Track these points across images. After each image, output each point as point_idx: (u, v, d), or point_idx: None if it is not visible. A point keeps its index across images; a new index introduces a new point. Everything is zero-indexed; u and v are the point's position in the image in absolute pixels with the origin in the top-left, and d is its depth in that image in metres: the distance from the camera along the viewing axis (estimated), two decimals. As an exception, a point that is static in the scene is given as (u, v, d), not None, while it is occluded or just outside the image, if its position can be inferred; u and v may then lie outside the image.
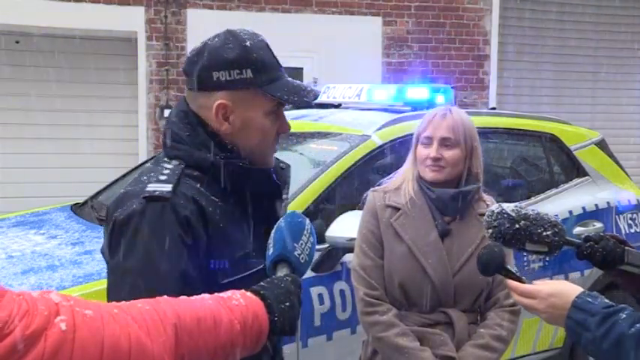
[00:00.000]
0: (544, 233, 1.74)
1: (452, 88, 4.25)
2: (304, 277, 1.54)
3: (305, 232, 1.49)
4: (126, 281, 1.46)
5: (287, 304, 1.33)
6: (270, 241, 1.47)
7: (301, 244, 1.46)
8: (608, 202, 4.37)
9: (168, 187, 1.51)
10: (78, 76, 7.45)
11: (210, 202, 1.56)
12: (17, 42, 7.38)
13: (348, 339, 3.18)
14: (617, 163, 4.77)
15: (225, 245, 1.56)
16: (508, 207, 1.78)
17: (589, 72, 9.29)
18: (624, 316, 1.54)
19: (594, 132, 4.87)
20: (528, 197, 4.19)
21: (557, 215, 4.06)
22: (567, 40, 9.16)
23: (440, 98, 4.05)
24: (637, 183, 5.04)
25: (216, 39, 1.65)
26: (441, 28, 8.45)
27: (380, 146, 3.61)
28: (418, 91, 4.07)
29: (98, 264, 2.97)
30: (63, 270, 3.03)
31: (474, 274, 2.39)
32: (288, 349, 2.82)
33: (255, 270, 1.59)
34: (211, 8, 7.64)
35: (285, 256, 1.44)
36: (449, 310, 2.39)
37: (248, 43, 1.61)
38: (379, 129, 3.70)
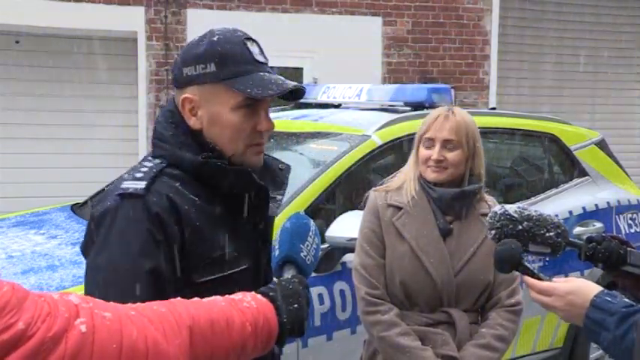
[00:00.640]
0: (547, 234, 1.74)
1: (451, 88, 4.24)
2: None
3: (310, 233, 1.50)
4: (99, 277, 1.47)
5: (295, 305, 1.34)
6: (276, 242, 1.48)
7: (307, 245, 1.47)
8: (608, 202, 4.37)
9: (142, 185, 1.51)
10: (78, 76, 7.45)
11: (187, 200, 1.54)
12: (17, 42, 7.38)
13: (348, 339, 3.18)
14: (617, 163, 4.77)
15: (201, 243, 1.53)
16: (511, 208, 1.77)
17: (589, 72, 9.29)
18: None
19: (594, 132, 4.87)
20: (528, 197, 4.19)
21: (557, 215, 4.06)
22: (567, 40, 9.16)
23: (439, 98, 4.05)
24: (637, 183, 5.04)
25: (196, 37, 1.64)
26: (441, 28, 8.45)
27: (380, 146, 3.61)
28: (418, 91, 4.07)
29: (98, 264, 2.96)
30: (63, 270, 3.03)
31: (476, 274, 2.40)
32: (288, 349, 2.82)
33: (233, 271, 1.56)
34: (211, 8, 7.64)
35: (292, 258, 1.45)
36: (450, 309, 2.39)
37: (216, 38, 1.60)
38: (379, 129, 3.70)
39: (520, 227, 1.74)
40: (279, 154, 1.82)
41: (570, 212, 4.18)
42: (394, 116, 3.87)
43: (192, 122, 1.60)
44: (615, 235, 1.87)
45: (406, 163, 2.59)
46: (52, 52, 7.41)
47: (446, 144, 2.41)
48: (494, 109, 5.40)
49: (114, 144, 7.50)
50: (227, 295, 1.31)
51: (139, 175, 1.56)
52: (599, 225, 4.24)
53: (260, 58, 1.61)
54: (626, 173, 4.81)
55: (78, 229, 3.68)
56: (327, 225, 3.15)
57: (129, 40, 7.51)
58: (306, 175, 3.40)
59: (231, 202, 1.61)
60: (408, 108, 4.04)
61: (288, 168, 1.80)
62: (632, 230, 4.44)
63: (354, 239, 2.56)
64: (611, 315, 1.55)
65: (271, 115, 1.70)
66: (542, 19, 9.06)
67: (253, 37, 1.64)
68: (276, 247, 1.47)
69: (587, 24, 9.24)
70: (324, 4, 7.97)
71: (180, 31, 7.56)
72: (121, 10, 7.33)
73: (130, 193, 1.50)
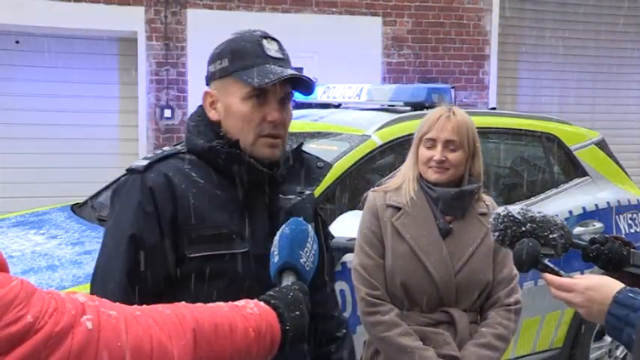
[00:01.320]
0: (551, 236, 1.74)
1: (452, 88, 4.24)
2: None
3: (309, 239, 1.49)
4: (103, 240, 1.71)
5: (297, 312, 1.34)
6: (275, 248, 1.48)
7: (306, 251, 1.46)
8: (608, 202, 4.37)
9: (144, 163, 1.69)
10: (78, 76, 7.44)
11: (189, 180, 1.68)
12: (17, 42, 7.38)
13: (348, 339, 3.18)
14: (617, 163, 4.77)
15: (195, 221, 1.64)
16: (514, 209, 1.77)
17: (589, 72, 9.29)
18: None
19: (594, 132, 4.87)
20: (528, 197, 4.19)
21: (557, 215, 4.05)
22: (567, 40, 9.16)
23: (439, 98, 4.05)
24: (637, 183, 5.04)
25: None
26: (441, 28, 8.45)
27: (380, 146, 3.61)
28: (418, 91, 4.07)
29: (98, 264, 2.97)
30: (63, 270, 3.03)
31: (475, 273, 2.40)
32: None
33: (229, 252, 1.65)
34: (211, 8, 7.64)
35: (292, 264, 1.44)
36: (450, 309, 2.39)
37: (233, 37, 1.75)
38: (379, 129, 3.70)
39: (524, 229, 1.73)
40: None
41: (570, 212, 4.17)
42: (394, 116, 3.87)
43: (212, 114, 1.75)
44: (618, 235, 1.86)
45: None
46: (52, 52, 7.40)
47: (448, 144, 2.41)
48: (494, 109, 5.40)
49: (114, 144, 7.50)
50: (230, 302, 1.32)
51: (150, 155, 1.76)
52: (599, 225, 4.24)
53: (274, 54, 1.72)
54: (626, 173, 4.81)
55: (78, 229, 3.68)
56: (328, 225, 3.14)
57: (129, 40, 7.51)
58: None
59: (236, 188, 1.70)
60: (408, 108, 4.04)
61: (326, 166, 1.90)
62: (632, 230, 4.44)
63: (354, 239, 2.56)
64: (634, 311, 1.54)
65: None
66: (542, 19, 9.06)
67: (274, 37, 1.76)
68: (276, 253, 1.46)
69: (587, 24, 9.24)
70: (324, 4, 7.97)
71: (180, 31, 7.56)
72: (121, 10, 7.32)
73: (132, 169, 1.70)
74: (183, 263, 1.63)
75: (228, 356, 1.24)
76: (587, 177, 4.45)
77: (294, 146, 1.87)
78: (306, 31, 7.63)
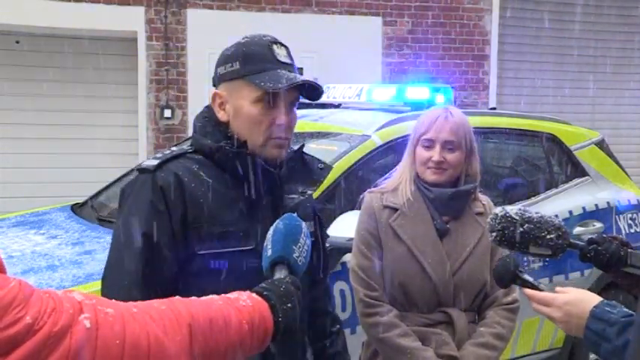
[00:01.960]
0: (548, 237, 1.74)
1: (452, 88, 4.24)
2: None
3: (302, 234, 1.52)
4: (114, 237, 1.75)
5: (289, 305, 1.36)
6: (268, 242, 1.50)
7: (299, 246, 1.49)
8: (608, 202, 4.37)
9: (155, 162, 1.74)
10: (78, 76, 7.44)
11: (198, 180, 1.73)
12: (17, 42, 7.38)
13: (348, 339, 3.16)
14: (617, 163, 4.77)
15: (204, 219, 1.70)
16: (512, 210, 1.77)
17: (589, 72, 9.28)
18: None
19: (594, 132, 4.87)
20: (528, 197, 4.19)
21: (557, 215, 4.06)
22: (567, 40, 9.16)
23: (440, 98, 4.05)
24: (637, 183, 5.04)
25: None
26: (441, 28, 8.44)
27: (380, 146, 3.61)
28: (418, 91, 4.07)
29: (98, 264, 2.97)
30: (63, 270, 3.03)
31: (473, 273, 2.40)
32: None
33: (237, 249, 1.71)
34: (211, 8, 7.64)
35: (285, 258, 1.47)
36: (449, 309, 2.39)
37: (244, 41, 1.80)
38: (379, 129, 3.70)
39: (521, 229, 1.73)
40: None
41: (570, 212, 4.17)
42: (394, 116, 3.87)
43: (221, 115, 1.79)
44: (616, 235, 1.86)
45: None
46: (52, 52, 7.41)
47: (446, 145, 2.40)
48: (494, 109, 5.40)
49: (114, 144, 7.50)
50: (223, 295, 1.33)
51: (159, 155, 1.80)
52: (599, 225, 4.24)
53: (284, 60, 1.78)
54: (626, 173, 4.81)
55: (78, 229, 3.68)
56: (327, 225, 3.15)
57: (129, 40, 7.51)
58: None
59: (248, 187, 1.76)
60: (408, 108, 4.04)
61: (327, 168, 1.95)
62: (632, 230, 4.44)
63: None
64: (611, 325, 1.54)
65: None
66: (542, 19, 9.05)
67: (283, 42, 1.82)
68: (269, 247, 1.49)
69: (587, 24, 9.24)
70: (324, 4, 7.97)
71: (180, 31, 7.56)
72: (121, 10, 7.32)
73: (143, 168, 1.75)
74: (193, 260, 1.69)
75: (223, 349, 1.25)
76: (587, 177, 4.45)
77: (296, 147, 1.92)
78: (306, 31, 7.63)
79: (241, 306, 1.30)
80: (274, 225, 1.53)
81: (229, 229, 1.71)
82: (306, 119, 4.13)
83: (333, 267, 3.19)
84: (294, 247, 1.48)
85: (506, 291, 2.44)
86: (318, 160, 1.95)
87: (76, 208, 4.20)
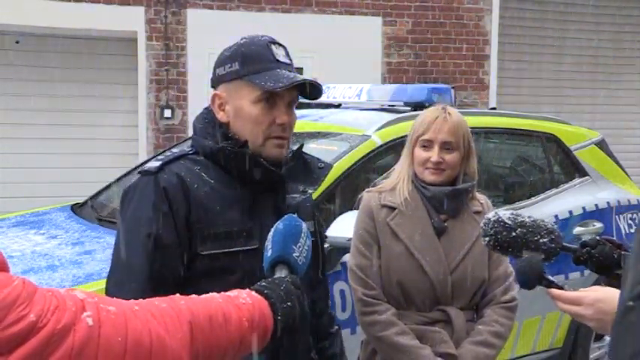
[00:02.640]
0: (540, 240, 1.74)
1: (452, 88, 4.24)
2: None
3: (302, 234, 1.52)
4: (118, 239, 1.74)
5: (288, 303, 1.36)
6: (268, 243, 1.51)
7: (299, 246, 1.49)
8: (608, 202, 4.37)
9: (157, 164, 1.74)
10: (78, 76, 7.45)
11: (201, 181, 1.74)
12: (17, 42, 7.38)
13: (347, 339, 3.16)
14: (617, 163, 4.77)
15: (207, 219, 1.71)
16: (504, 214, 1.77)
17: (589, 72, 9.29)
18: None
19: (594, 132, 4.87)
20: (528, 197, 4.19)
21: (557, 215, 4.06)
22: (567, 40, 9.17)
23: (439, 98, 4.04)
24: (637, 183, 5.04)
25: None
26: (440, 28, 8.45)
27: (380, 146, 3.61)
28: (418, 91, 4.07)
29: (98, 264, 2.97)
30: (63, 270, 3.03)
31: (471, 272, 2.41)
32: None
33: (240, 249, 1.72)
34: (211, 8, 7.64)
35: (285, 258, 1.47)
36: (447, 307, 2.40)
37: (242, 41, 1.80)
38: (379, 129, 3.70)
39: (514, 234, 1.74)
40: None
41: (570, 212, 4.17)
42: (394, 116, 3.87)
43: (221, 116, 1.80)
44: (609, 238, 1.86)
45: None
46: (52, 52, 7.41)
47: (444, 145, 2.41)
48: (494, 109, 5.40)
49: (114, 144, 7.50)
50: (223, 293, 1.34)
51: (161, 157, 1.81)
52: (599, 225, 4.24)
53: (282, 59, 1.78)
54: (626, 173, 4.81)
55: (78, 229, 3.68)
56: (327, 225, 3.15)
57: (129, 40, 7.51)
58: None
59: (250, 187, 1.77)
60: (408, 108, 4.03)
61: (327, 167, 1.96)
62: (632, 230, 4.44)
63: (355, 239, 2.56)
64: None
65: None
66: (542, 19, 9.06)
67: (280, 42, 1.82)
68: (269, 247, 1.49)
69: (587, 24, 9.24)
70: (324, 4, 7.97)
71: (180, 31, 7.57)
72: (121, 10, 7.33)
73: (145, 170, 1.76)
74: (196, 260, 1.70)
75: (224, 346, 1.26)
76: (587, 177, 4.45)
77: (295, 147, 1.92)
78: (306, 31, 7.64)
79: (241, 304, 1.30)
80: (275, 226, 1.53)
81: (232, 229, 1.72)
82: (306, 119, 4.13)
83: (333, 267, 3.19)
84: (294, 246, 1.48)
85: (505, 289, 2.45)
86: (318, 159, 1.96)
87: (76, 208, 4.20)
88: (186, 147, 1.86)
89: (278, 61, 1.77)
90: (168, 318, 1.19)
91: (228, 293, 1.33)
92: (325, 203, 3.39)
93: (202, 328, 1.22)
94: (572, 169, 4.46)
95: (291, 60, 1.82)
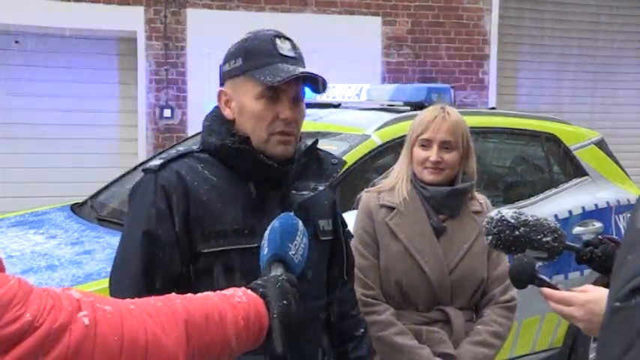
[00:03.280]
0: (544, 239, 1.74)
1: (451, 87, 4.24)
2: None
3: (299, 233, 1.51)
4: (121, 237, 1.79)
5: (284, 302, 1.35)
6: (265, 241, 1.50)
7: (295, 244, 1.48)
8: (607, 202, 4.37)
9: (158, 162, 1.75)
10: (78, 76, 7.44)
11: (202, 178, 1.73)
12: (17, 42, 7.38)
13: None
14: (617, 163, 4.77)
15: (207, 217, 1.70)
16: (507, 213, 1.77)
17: (589, 72, 9.28)
18: None
19: (594, 132, 4.87)
20: (528, 197, 4.19)
21: (556, 215, 4.06)
22: (567, 39, 9.16)
23: (439, 98, 4.04)
24: (637, 183, 5.04)
25: None
26: (440, 28, 8.44)
27: (380, 146, 3.62)
28: (417, 91, 4.07)
29: (98, 264, 2.97)
30: (62, 270, 3.03)
31: (470, 271, 2.41)
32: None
33: (241, 247, 1.71)
34: (211, 8, 7.64)
35: (281, 256, 1.46)
36: (446, 307, 2.40)
37: (246, 37, 1.79)
38: (379, 129, 3.71)
39: (517, 233, 1.73)
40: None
41: (570, 212, 4.18)
42: (394, 116, 3.87)
43: (227, 113, 1.79)
44: (612, 237, 1.86)
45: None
46: (52, 52, 7.40)
47: (443, 145, 2.41)
48: (494, 109, 5.40)
49: (114, 144, 7.50)
50: (219, 291, 1.34)
51: (164, 155, 1.83)
52: (598, 225, 4.24)
53: (287, 53, 1.76)
54: (626, 173, 4.81)
55: (77, 229, 3.68)
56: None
57: (129, 40, 7.51)
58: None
59: (255, 184, 1.76)
60: (408, 108, 4.04)
61: (340, 162, 1.93)
62: (632, 230, 4.43)
63: (355, 239, 2.56)
64: None
65: None
66: (542, 19, 9.06)
67: (287, 36, 1.81)
68: (265, 245, 1.48)
69: (587, 24, 9.24)
70: (324, 4, 7.97)
71: (180, 31, 7.56)
72: (121, 10, 7.32)
73: (147, 169, 1.77)
74: (197, 259, 1.70)
75: (219, 345, 1.26)
76: (586, 177, 4.45)
77: (309, 143, 1.90)
78: (306, 31, 7.61)
79: (237, 302, 1.30)
80: (271, 224, 1.52)
81: (233, 227, 1.71)
82: (306, 119, 4.12)
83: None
84: (290, 245, 1.47)
85: (504, 289, 2.45)
86: (332, 155, 1.93)
87: (76, 208, 4.20)
88: (195, 146, 1.86)
89: (282, 55, 1.74)
90: (164, 317, 1.19)
91: (224, 292, 1.33)
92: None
93: (198, 327, 1.22)
94: (572, 168, 4.46)
95: (297, 53, 1.80)
